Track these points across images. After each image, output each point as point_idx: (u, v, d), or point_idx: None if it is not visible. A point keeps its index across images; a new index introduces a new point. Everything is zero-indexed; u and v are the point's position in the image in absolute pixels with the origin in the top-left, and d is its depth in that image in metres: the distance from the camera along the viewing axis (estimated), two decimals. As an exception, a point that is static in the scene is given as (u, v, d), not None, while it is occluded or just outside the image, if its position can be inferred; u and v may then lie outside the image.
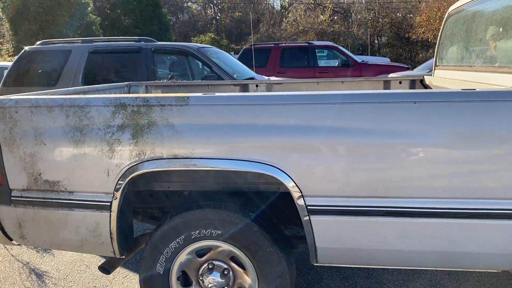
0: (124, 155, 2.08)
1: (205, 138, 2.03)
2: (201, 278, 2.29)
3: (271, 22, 37.04)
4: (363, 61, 13.03)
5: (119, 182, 2.09)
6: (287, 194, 2.06)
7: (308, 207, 2.02)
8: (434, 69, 3.48)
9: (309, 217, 2.03)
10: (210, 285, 2.24)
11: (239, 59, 12.46)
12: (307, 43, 14.27)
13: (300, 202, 2.02)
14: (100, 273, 3.09)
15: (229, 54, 9.48)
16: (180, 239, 2.21)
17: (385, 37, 27.65)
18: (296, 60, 13.01)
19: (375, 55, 23.42)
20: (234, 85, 3.77)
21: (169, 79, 7.26)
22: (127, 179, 2.08)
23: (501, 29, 2.30)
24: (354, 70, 12.41)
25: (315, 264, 2.20)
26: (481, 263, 2.07)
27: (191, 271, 2.31)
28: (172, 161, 2.04)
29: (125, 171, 2.08)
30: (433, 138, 1.91)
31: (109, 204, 2.13)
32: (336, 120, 1.96)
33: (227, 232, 2.15)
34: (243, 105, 2.04)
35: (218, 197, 2.29)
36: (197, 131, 2.04)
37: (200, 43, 35.59)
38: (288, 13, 35.55)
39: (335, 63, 13.40)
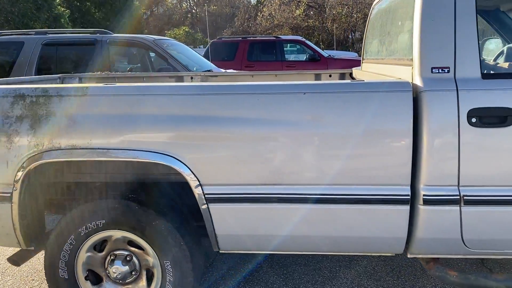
0: (23, 146, 2.08)
1: (102, 129, 2.04)
2: (108, 271, 2.31)
3: (246, 16, 36.96)
4: (329, 55, 13.16)
5: (18, 173, 2.09)
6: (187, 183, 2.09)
7: (206, 196, 2.06)
8: (362, 62, 3.56)
9: (207, 205, 2.07)
10: (115, 275, 2.26)
11: (206, 52, 12.46)
12: (274, 37, 14.31)
13: (198, 191, 2.05)
14: (39, 267, 3.08)
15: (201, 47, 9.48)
16: (71, 239, 2.22)
17: (359, 32, 27.91)
18: (264, 54, 13.07)
19: (349, 50, 23.63)
20: (170, 77, 3.78)
21: (128, 71, 7.21)
22: (26, 170, 2.08)
23: (399, 23, 2.37)
24: (321, 64, 12.52)
25: (221, 252, 2.25)
26: (373, 247, 2.15)
27: (97, 268, 2.32)
28: (69, 151, 2.05)
29: (24, 162, 2.08)
30: (322, 127, 1.98)
31: (9, 195, 2.13)
32: (230, 110, 2.00)
33: (111, 218, 2.17)
34: (138, 95, 2.06)
35: (127, 189, 2.30)
36: (95, 121, 2.05)
37: (174, 36, 35.30)
38: (263, 8, 35.51)
39: (303, 57, 13.50)
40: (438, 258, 2.24)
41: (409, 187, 1.99)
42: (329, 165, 2.00)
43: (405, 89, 1.96)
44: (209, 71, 7.35)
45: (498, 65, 2.48)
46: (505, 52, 2.98)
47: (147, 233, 2.17)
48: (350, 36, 29.24)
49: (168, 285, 2.22)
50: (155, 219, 2.16)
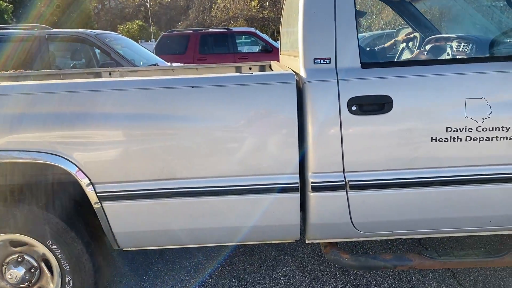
0: None
1: (-14, 130, 1.98)
2: (5, 266, 2.25)
3: (201, 8, 36.60)
4: (281, 46, 13.24)
5: None
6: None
7: (98, 194, 2.04)
8: (280, 54, 3.60)
9: (100, 204, 2.06)
10: (9, 277, 2.21)
11: (156, 46, 12.26)
12: (226, 29, 14.26)
13: (89, 189, 2.03)
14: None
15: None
16: None
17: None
18: (216, 47, 12.98)
19: None
20: (87, 73, 3.70)
21: (71, 68, 6.99)
22: None
23: (294, 15, 2.42)
24: (273, 55, 12.58)
25: (124, 249, 2.25)
26: (270, 235, 2.21)
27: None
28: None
29: None
30: (211, 120, 2.00)
31: None
32: (117, 106, 1.99)
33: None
34: (24, 94, 2.01)
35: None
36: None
37: (127, 31, 34.50)
38: (217, 0, 35.27)
39: (256, 49, 13.52)
40: (336, 243, 2.33)
41: (297, 175, 2.04)
42: (220, 157, 2.02)
43: (289, 80, 2.00)
44: (154, 65, 7.25)
45: (390, 53, 2.58)
46: (417, 40, 3.11)
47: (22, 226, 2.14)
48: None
49: (64, 264, 2.20)
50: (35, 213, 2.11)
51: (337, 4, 2.05)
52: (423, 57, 2.66)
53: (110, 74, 3.66)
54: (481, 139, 2.00)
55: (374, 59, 2.32)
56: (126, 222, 2.11)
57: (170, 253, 3.15)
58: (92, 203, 2.06)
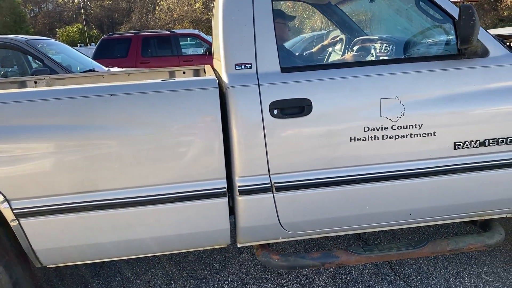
0: None
1: None
2: None
3: (144, 10, 35.84)
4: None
5: None
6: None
7: (14, 211, 1.94)
8: (213, 58, 3.60)
9: (18, 221, 1.96)
10: None
11: (96, 50, 11.84)
12: (169, 31, 14.03)
13: (4, 206, 1.93)
14: None
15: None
16: None
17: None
18: (159, 49, 12.73)
19: None
20: (11, 82, 3.51)
21: (1, 76, 6.59)
22: None
23: (216, 19, 2.43)
24: (218, 57, 12.55)
25: (48, 266, 2.15)
26: (201, 242, 2.20)
27: None
28: None
29: None
30: (132, 129, 1.96)
31: None
32: (30, 118, 1.90)
33: None
34: None
35: None
36: None
37: (67, 35, 33.16)
38: (161, 1, 34.65)
39: (200, 51, 13.41)
40: (268, 244, 2.36)
41: (224, 180, 2.05)
42: (144, 166, 1.99)
43: (211, 86, 2.00)
44: (91, 70, 7.00)
45: (305, 55, 2.63)
46: (343, 42, 3.19)
47: None
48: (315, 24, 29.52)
49: None
50: None
51: (255, 10, 2.07)
52: (349, 58, 2.75)
53: (35, 82, 3.49)
54: (397, 137, 2.10)
55: (293, 63, 2.36)
56: (47, 239, 2.03)
57: (111, 265, 3.06)
58: (9, 221, 1.96)
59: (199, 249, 2.30)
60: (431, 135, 2.11)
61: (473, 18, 1.92)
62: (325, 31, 3.71)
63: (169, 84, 2.01)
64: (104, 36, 12.95)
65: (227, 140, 2.04)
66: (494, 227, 2.36)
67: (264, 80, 2.04)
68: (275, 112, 2.02)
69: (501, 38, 2.55)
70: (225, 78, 2.05)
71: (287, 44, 2.76)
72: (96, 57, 10.56)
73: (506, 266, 2.68)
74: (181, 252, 2.90)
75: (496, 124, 2.15)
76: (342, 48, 3.15)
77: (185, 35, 14.04)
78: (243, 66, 2.06)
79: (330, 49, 3.19)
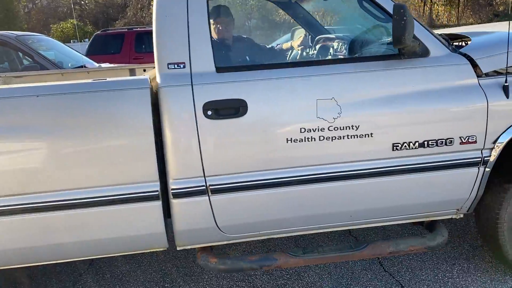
0: None
1: None
2: None
3: (139, 6, 35.73)
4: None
5: None
6: None
7: None
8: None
9: None
10: None
11: (89, 46, 11.76)
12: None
13: None
14: None
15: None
16: None
17: (254, 20, 28.17)
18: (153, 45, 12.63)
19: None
20: (-29, 81, 3.48)
21: None
22: None
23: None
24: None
25: None
26: (137, 245, 2.17)
27: None
28: None
29: None
30: (61, 130, 1.92)
31: None
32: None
33: None
34: None
35: None
36: None
37: (61, 31, 33.02)
38: (156, -4, 34.40)
39: None
40: (211, 247, 2.33)
41: (158, 183, 2.02)
42: (74, 169, 1.96)
43: (142, 86, 1.97)
44: (82, 66, 6.95)
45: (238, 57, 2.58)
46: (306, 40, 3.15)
47: None
48: (246, 24, 29.47)
49: None
50: None
51: (189, 9, 2.04)
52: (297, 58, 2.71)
53: (-7, 81, 3.46)
54: (334, 138, 2.07)
55: (232, 63, 2.33)
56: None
57: (100, 262, 3.01)
58: None
59: (138, 252, 2.26)
60: (368, 136, 2.08)
61: (405, 17, 1.89)
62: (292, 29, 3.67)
63: (99, 85, 1.98)
64: (98, 32, 12.87)
65: (161, 141, 2.01)
66: (438, 228, 2.34)
67: (197, 80, 2.01)
68: (209, 113, 1.99)
69: (447, 37, 2.52)
70: (158, 78, 2.02)
71: (238, 43, 2.71)
72: (90, 53, 10.46)
73: (494, 261, 2.67)
74: (171, 249, 2.79)
75: (435, 125, 2.12)
76: (302, 45, 3.11)
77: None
78: (176, 66, 2.02)
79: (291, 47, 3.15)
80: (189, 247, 2.25)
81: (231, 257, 2.21)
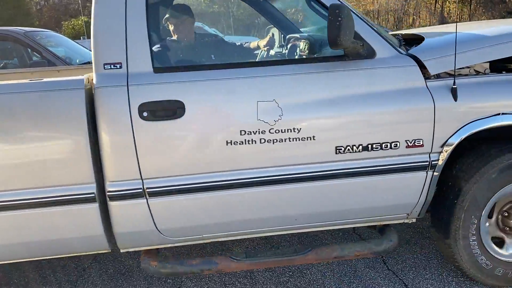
0: None
1: None
2: None
3: (149, 3, 35.75)
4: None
5: None
6: None
7: None
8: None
9: None
10: None
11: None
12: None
13: None
14: None
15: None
16: None
17: (263, 18, 28.04)
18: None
19: (255, 36, 23.57)
20: None
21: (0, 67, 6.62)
22: None
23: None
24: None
25: None
26: (78, 247, 2.16)
27: None
28: None
29: None
30: (-5, 131, 1.91)
31: None
32: None
33: None
34: None
35: None
36: None
37: (72, 27, 33.29)
38: (166, -6, 34.47)
39: None
40: (158, 250, 2.30)
41: (94, 185, 2.00)
42: (7, 170, 1.94)
43: (77, 87, 1.95)
44: (90, 63, 7.00)
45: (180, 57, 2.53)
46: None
47: None
48: (257, 21, 29.35)
49: None
50: None
51: (128, 8, 2.01)
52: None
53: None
54: (275, 141, 2.02)
55: (171, 63, 2.28)
56: None
57: (104, 257, 3.01)
58: None
59: (80, 254, 2.25)
60: (310, 139, 2.03)
61: (340, 18, 1.83)
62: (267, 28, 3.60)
63: (36, 85, 1.96)
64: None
65: (97, 143, 1.99)
66: (387, 233, 2.28)
67: (134, 81, 1.98)
68: (145, 114, 1.96)
69: (401, 38, 2.45)
70: (94, 78, 2.00)
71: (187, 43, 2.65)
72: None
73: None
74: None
75: (380, 129, 2.06)
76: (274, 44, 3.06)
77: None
78: (112, 66, 2.00)
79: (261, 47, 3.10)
80: (131, 249, 2.23)
81: (171, 260, 2.18)
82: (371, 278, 2.55)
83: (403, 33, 2.87)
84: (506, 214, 2.30)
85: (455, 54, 2.02)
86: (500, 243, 2.33)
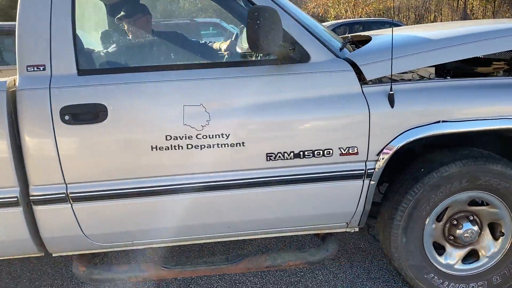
0: None
1: None
2: None
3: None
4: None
5: None
6: None
7: None
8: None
9: None
10: None
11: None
12: (189, 20, 13.99)
13: None
14: None
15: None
16: None
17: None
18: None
19: None
20: None
21: None
22: None
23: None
24: (238, 46, 12.43)
25: None
26: (8, 251, 2.13)
27: None
28: None
29: None
30: None
31: None
32: None
33: None
34: None
35: None
36: None
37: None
38: (183, -10, 34.71)
39: (220, 39, 13.26)
40: (93, 254, 2.27)
41: (17, 189, 1.96)
42: None
43: (-1, 89, 1.92)
44: None
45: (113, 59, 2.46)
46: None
47: None
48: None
49: None
50: None
51: (53, 9, 1.96)
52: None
53: None
54: (202, 146, 1.96)
55: (95, 66, 2.23)
56: None
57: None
58: None
59: (10, 257, 2.22)
60: (240, 145, 1.96)
61: (258, 22, 1.74)
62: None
63: None
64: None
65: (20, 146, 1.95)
66: (326, 242, 2.20)
67: (56, 84, 1.93)
68: (67, 118, 1.92)
69: (347, 41, 2.35)
70: (18, 81, 1.96)
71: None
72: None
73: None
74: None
75: (312, 135, 1.97)
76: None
77: (207, 24, 13.99)
78: (35, 68, 1.95)
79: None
80: (63, 254, 2.20)
81: (98, 266, 2.14)
82: (384, 281, 2.50)
83: (362, 34, 2.75)
84: (455, 222, 2.19)
85: (392, 58, 1.91)
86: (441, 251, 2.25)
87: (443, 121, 1.96)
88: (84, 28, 2.64)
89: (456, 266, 2.21)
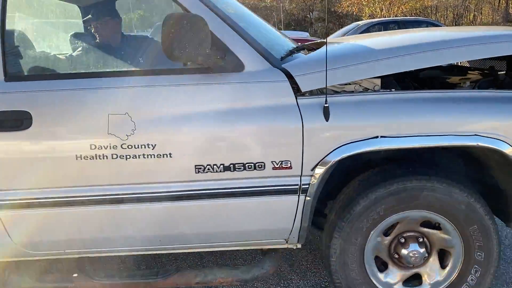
0: None
1: None
2: None
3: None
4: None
5: None
6: None
7: None
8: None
9: None
10: None
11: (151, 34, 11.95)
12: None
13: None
14: None
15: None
16: None
17: (317, 11, 27.47)
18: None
19: (307, 30, 23.01)
20: None
21: None
22: None
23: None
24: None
25: None
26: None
27: None
28: None
29: None
30: None
31: None
32: None
33: None
34: None
35: None
36: None
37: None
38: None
39: None
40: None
41: None
42: None
43: None
44: None
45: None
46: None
47: None
48: (308, 16, 28.77)
49: None
50: None
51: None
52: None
53: None
54: (128, 157, 1.89)
55: (22, 72, 2.16)
56: None
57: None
58: None
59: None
60: (167, 156, 1.88)
61: (172, 30, 1.65)
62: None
63: None
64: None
65: None
66: (264, 259, 2.11)
67: (-18, 90, 1.89)
68: (-10, 125, 1.87)
69: (297, 48, 2.24)
70: None
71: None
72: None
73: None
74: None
75: (243, 148, 1.88)
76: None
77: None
78: (-39, 74, 1.91)
79: None
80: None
81: (31, 275, 2.10)
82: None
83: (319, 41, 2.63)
84: (403, 240, 2.07)
85: (326, 70, 1.80)
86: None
87: (381, 137, 1.85)
88: (41, 30, 2.60)
89: (395, 287, 2.10)
